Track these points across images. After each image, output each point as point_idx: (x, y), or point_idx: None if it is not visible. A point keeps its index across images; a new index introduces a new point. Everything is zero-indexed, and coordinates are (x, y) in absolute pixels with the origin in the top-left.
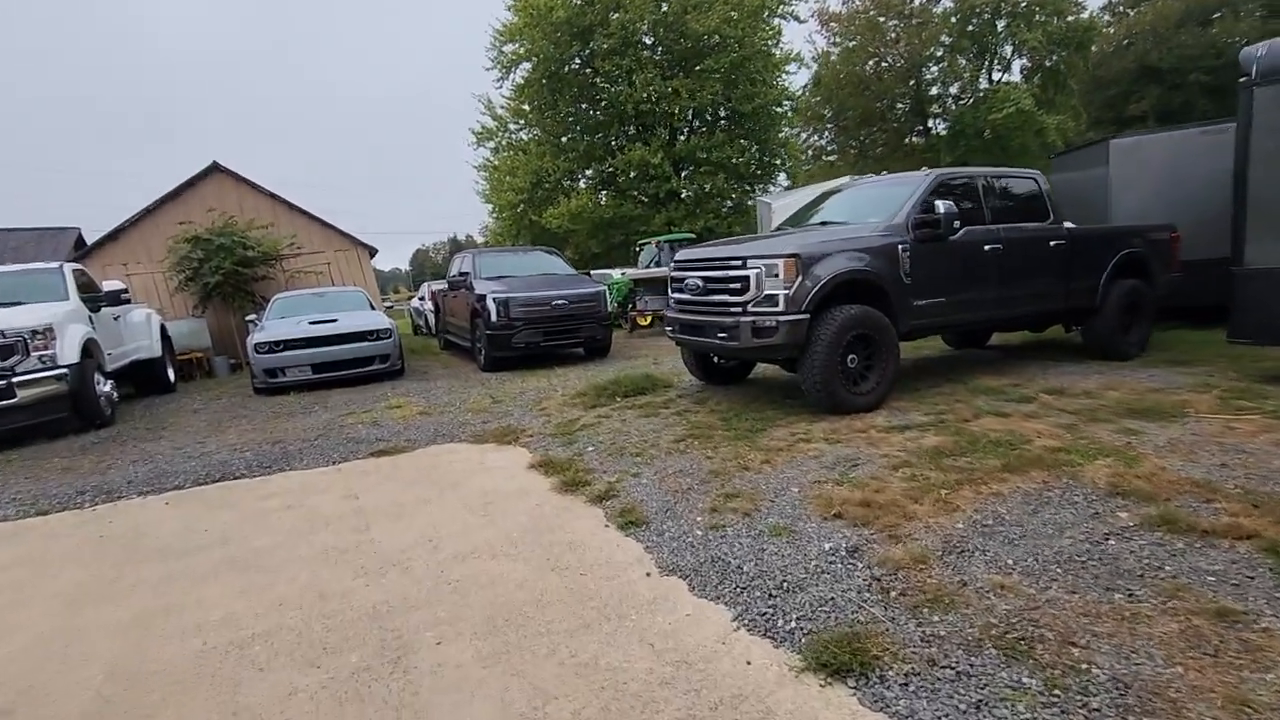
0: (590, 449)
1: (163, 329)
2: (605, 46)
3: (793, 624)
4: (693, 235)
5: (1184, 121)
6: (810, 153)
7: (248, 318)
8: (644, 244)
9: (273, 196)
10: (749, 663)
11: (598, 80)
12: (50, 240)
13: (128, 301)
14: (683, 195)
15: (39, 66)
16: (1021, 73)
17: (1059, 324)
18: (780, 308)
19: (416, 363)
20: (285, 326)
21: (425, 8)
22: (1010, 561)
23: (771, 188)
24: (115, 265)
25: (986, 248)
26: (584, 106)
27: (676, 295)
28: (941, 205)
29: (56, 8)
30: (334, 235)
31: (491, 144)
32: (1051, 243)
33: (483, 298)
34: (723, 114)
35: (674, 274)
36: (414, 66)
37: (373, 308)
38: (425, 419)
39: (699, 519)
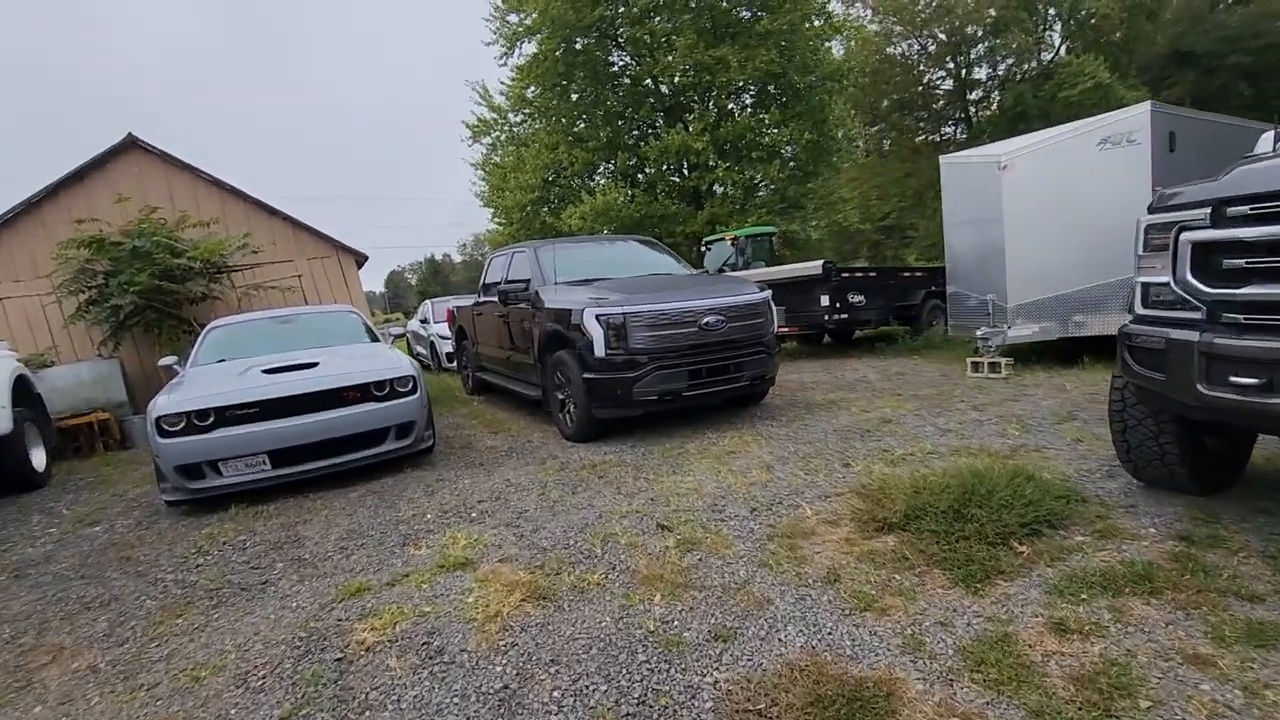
0: None
1: (23, 383)
2: (636, 9)
3: None
4: (773, 229)
5: (1220, 109)
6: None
7: (161, 362)
8: (713, 241)
9: (217, 184)
10: None
11: (614, 59)
12: None
13: None
14: (721, 189)
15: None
16: (1069, 51)
17: None
18: None
19: (442, 422)
20: (219, 379)
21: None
22: None
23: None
24: None
25: None
26: (600, 89)
27: (1247, 294)
28: None
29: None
30: (307, 238)
31: (489, 139)
32: None
33: (568, 315)
34: (772, 89)
35: (1217, 235)
36: (381, 69)
37: (374, 338)
38: (542, 614)
39: None
